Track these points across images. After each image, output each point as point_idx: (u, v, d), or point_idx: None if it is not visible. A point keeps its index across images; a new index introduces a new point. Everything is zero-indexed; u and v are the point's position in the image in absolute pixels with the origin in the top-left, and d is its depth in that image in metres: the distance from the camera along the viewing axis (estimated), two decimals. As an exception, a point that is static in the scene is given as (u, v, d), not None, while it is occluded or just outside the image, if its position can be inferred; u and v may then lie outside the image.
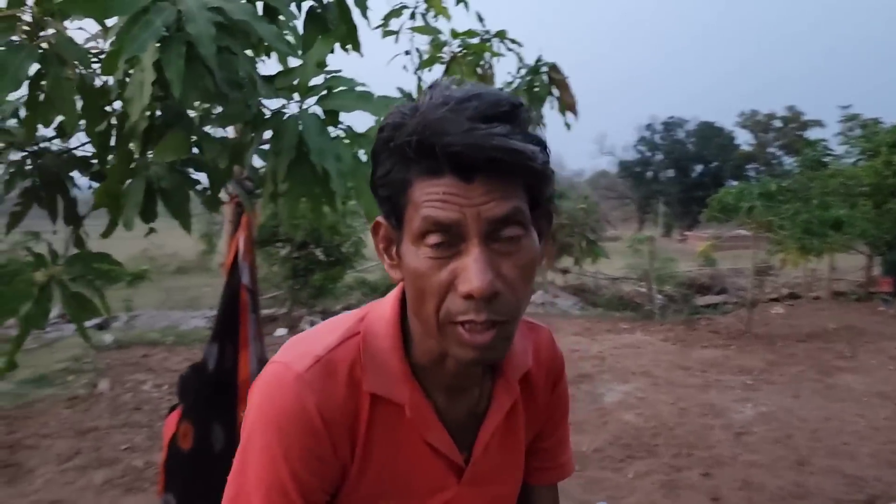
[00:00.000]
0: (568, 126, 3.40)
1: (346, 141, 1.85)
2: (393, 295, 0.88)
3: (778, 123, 53.58)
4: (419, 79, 3.30)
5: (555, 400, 1.02)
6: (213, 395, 2.43)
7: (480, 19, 3.36)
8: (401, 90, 3.35)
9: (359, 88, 1.81)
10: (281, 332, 9.65)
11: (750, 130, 55.47)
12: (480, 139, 0.68)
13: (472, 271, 0.70)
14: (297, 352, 0.84)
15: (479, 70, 3.34)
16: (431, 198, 0.71)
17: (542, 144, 0.74)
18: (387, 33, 3.24)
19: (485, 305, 0.71)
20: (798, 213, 9.81)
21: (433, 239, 0.72)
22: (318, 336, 0.86)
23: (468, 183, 0.70)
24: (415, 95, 3.33)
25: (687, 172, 55.64)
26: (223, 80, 1.61)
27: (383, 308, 0.88)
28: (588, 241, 14.54)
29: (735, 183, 11.33)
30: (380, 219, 0.81)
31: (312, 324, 8.81)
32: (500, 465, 0.94)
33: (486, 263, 0.71)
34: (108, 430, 5.40)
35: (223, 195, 2.28)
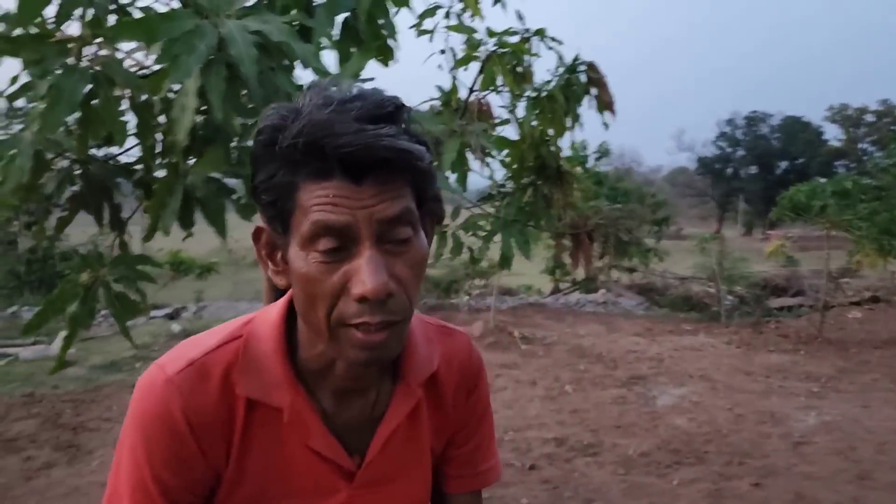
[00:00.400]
0: (606, 126, 3.34)
1: None
2: (282, 300, 0.88)
3: (870, 118, 50.95)
4: (454, 78, 3.29)
5: (470, 407, 1.01)
6: None
7: (520, 18, 3.33)
8: (439, 88, 3.36)
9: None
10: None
11: (840, 125, 52.94)
12: (371, 140, 0.68)
13: (365, 274, 0.70)
14: (176, 354, 0.84)
15: (518, 69, 3.31)
16: (321, 201, 0.70)
17: (425, 144, 0.74)
18: (421, 32, 3.25)
19: (379, 307, 0.71)
20: (876, 212, 9.28)
21: (325, 244, 0.71)
22: (201, 339, 0.86)
23: (358, 185, 0.70)
24: (450, 94, 3.34)
25: (770, 169, 53.51)
26: (260, 97, 1.65)
27: (270, 313, 0.87)
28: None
29: (822, 181, 10.73)
30: (261, 224, 0.80)
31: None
32: (400, 468, 0.93)
33: (379, 265, 0.70)
34: (165, 416, 5.63)
35: None
